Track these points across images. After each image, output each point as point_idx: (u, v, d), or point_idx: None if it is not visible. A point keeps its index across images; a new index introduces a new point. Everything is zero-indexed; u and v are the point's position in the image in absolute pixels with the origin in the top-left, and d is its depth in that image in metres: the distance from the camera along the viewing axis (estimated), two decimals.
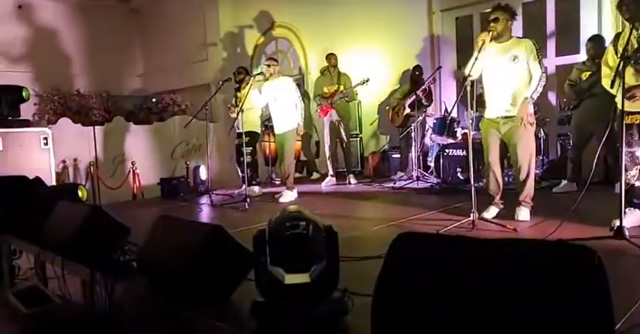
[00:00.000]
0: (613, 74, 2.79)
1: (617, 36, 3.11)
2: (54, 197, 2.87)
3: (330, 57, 6.36)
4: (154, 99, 9.81)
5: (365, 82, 6.04)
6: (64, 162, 6.24)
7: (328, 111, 6.20)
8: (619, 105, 2.81)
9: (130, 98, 10.50)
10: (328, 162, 6.33)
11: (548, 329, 1.25)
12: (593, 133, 4.56)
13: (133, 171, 6.56)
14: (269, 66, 5.07)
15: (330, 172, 6.33)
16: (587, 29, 5.46)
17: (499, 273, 1.37)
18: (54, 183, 5.10)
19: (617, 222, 2.73)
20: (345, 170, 6.43)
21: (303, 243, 1.79)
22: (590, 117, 4.56)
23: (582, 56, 5.29)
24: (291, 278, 1.76)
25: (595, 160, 3.07)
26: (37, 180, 3.39)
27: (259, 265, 1.79)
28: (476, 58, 3.32)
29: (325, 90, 6.27)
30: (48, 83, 9.01)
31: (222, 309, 1.97)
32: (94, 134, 6.70)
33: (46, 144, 5.14)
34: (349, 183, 6.23)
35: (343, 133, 6.25)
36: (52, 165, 5.22)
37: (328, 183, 6.27)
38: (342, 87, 6.20)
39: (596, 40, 4.74)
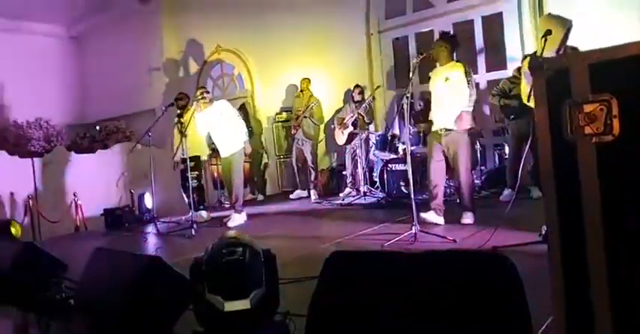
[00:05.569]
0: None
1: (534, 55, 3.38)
2: None
3: (303, 81, 6.83)
4: (97, 127, 9.54)
5: (312, 105, 6.53)
6: None
7: (297, 130, 6.68)
8: None
9: (72, 127, 10.15)
10: (296, 176, 6.83)
11: None
12: (524, 141, 4.91)
13: (75, 202, 6.32)
14: (208, 92, 5.14)
15: (299, 186, 6.80)
16: (512, 46, 5.86)
17: (422, 287, 1.45)
18: None
19: (545, 227, 2.92)
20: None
21: (240, 269, 1.80)
22: (529, 126, 4.95)
23: (509, 71, 5.65)
24: (230, 306, 1.77)
25: (520, 167, 3.37)
26: None
27: (197, 294, 1.79)
28: (410, 78, 3.77)
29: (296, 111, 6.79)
30: None
31: None
32: (33, 166, 6.42)
33: None
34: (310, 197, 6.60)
35: (308, 153, 6.62)
36: None
37: (296, 196, 6.77)
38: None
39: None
